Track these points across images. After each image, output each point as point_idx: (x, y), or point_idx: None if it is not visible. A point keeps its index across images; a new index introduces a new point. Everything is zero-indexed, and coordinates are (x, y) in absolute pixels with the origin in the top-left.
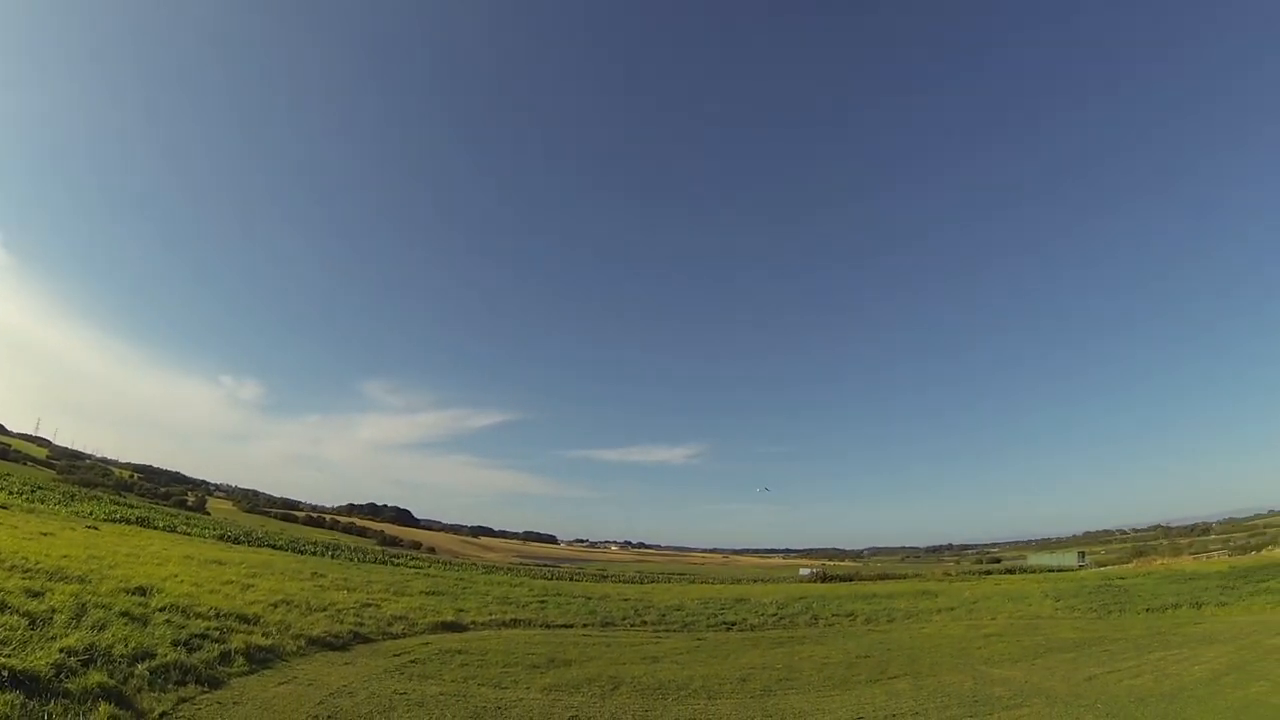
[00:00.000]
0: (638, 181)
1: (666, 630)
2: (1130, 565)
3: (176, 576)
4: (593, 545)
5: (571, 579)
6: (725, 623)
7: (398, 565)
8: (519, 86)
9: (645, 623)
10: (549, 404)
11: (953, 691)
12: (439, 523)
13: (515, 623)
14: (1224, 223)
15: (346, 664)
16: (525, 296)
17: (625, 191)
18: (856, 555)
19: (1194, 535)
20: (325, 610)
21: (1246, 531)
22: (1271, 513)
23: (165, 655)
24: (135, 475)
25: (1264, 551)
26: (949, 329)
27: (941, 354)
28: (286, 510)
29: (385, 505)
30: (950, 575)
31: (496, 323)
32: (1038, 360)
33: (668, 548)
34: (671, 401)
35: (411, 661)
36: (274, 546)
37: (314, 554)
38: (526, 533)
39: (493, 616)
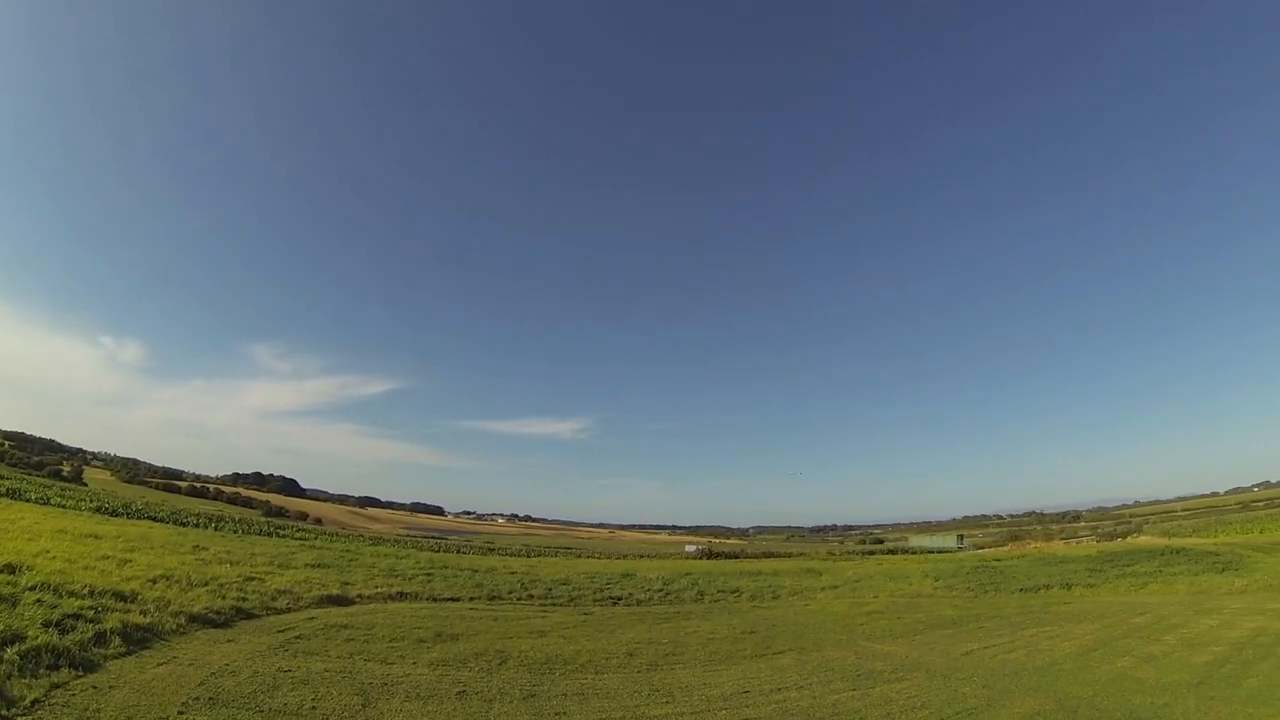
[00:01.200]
0: (539, 150)
1: (553, 604)
2: (1006, 548)
3: (48, 553)
4: (480, 517)
5: (459, 551)
6: (612, 598)
7: (283, 537)
8: (424, 58)
9: (532, 596)
10: (439, 373)
11: (836, 666)
12: (326, 493)
13: (402, 596)
14: (1099, 226)
15: (229, 641)
16: (419, 262)
17: (525, 159)
18: (742, 533)
19: (1066, 522)
20: (207, 585)
21: (1114, 519)
22: (1137, 503)
23: (36, 638)
24: (6, 443)
25: (1129, 538)
26: (833, 316)
27: (826, 340)
28: (168, 480)
29: (271, 475)
30: (834, 555)
31: (389, 289)
32: (922, 352)
33: (555, 522)
34: (562, 374)
35: (296, 638)
36: (154, 518)
37: (196, 526)
38: (414, 504)
39: (379, 590)
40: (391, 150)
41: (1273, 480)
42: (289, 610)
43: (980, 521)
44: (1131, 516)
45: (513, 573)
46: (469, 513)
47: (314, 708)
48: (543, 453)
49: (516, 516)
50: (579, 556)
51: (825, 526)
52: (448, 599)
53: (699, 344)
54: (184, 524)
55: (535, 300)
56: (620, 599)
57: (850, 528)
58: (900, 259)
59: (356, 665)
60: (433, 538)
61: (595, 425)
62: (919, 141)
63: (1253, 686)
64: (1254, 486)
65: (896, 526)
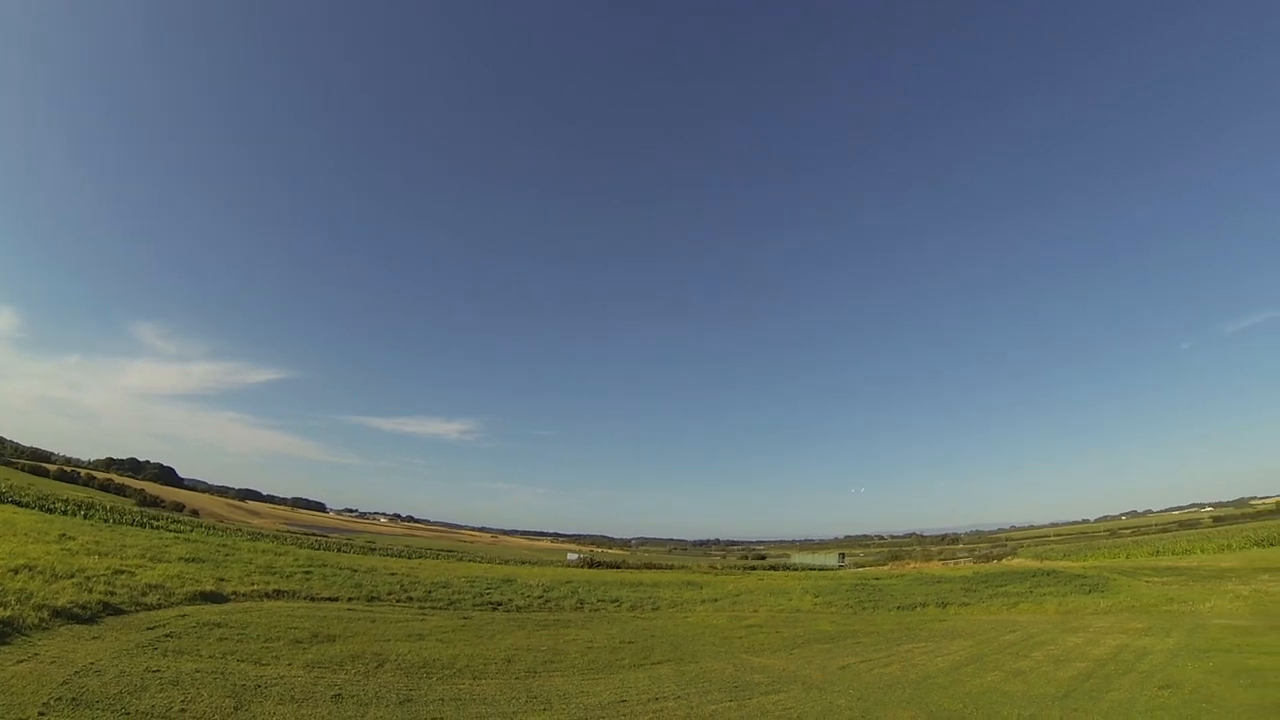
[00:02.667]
0: (439, 150)
1: (432, 607)
2: (886, 567)
3: None
4: (362, 516)
5: (339, 550)
6: (492, 603)
7: (157, 528)
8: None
9: (411, 599)
10: (329, 365)
11: (714, 677)
12: (205, 484)
13: (279, 594)
14: (994, 259)
15: (95, 638)
16: (316, 250)
17: (423, 157)
18: (625, 544)
19: (945, 544)
20: (73, 577)
21: (990, 542)
22: (1013, 528)
23: None
24: None
25: (1004, 561)
26: (719, 334)
27: (712, 359)
28: (36, 462)
29: (148, 462)
30: (716, 569)
31: (284, 275)
32: (808, 374)
33: (437, 523)
34: (452, 374)
35: (166, 635)
36: (18, 503)
37: (64, 513)
38: (296, 499)
39: (255, 587)
40: (295, 132)
41: (1139, 510)
42: (160, 606)
43: (862, 541)
44: (1007, 540)
45: (393, 574)
46: (351, 510)
47: (183, 710)
48: (429, 453)
49: (399, 516)
50: (460, 560)
51: (708, 541)
52: (326, 599)
53: (589, 354)
54: (50, 510)
55: (429, 298)
56: (500, 604)
57: (733, 543)
58: (790, 284)
59: (229, 666)
60: (313, 535)
61: (483, 428)
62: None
63: (1114, 700)
64: (1122, 515)
65: (779, 543)
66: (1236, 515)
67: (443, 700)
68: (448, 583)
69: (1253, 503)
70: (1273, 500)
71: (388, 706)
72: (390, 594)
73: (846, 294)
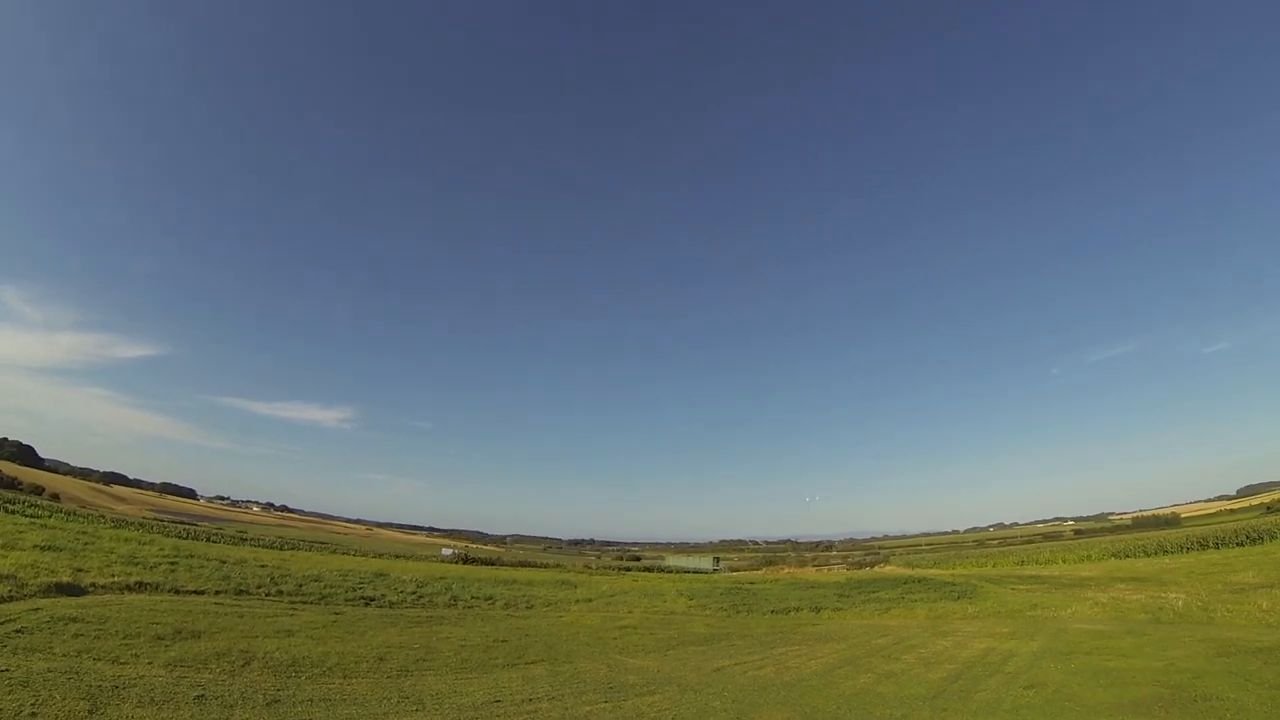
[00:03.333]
0: (330, 123)
1: (303, 602)
2: (760, 572)
3: None
4: (234, 504)
5: (208, 540)
6: (365, 598)
7: (12, 513)
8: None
9: (282, 592)
10: (204, 343)
11: (589, 678)
12: (67, 465)
13: (141, 586)
14: (878, 280)
15: None
16: (195, 223)
17: (314, 129)
18: (500, 541)
19: (819, 550)
20: None
21: (864, 550)
22: (886, 537)
23: None
24: None
25: (876, 568)
26: (604, 333)
27: (593, 358)
28: None
29: (4, 439)
30: (591, 569)
31: (160, 246)
32: (693, 377)
33: (312, 513)
34: (331, 360)
35: (17, 631)
36: None
37: None
38: (165, 484)
39: (117, 579)
40: (181, 96)
41: (1005, 523)
42: (11, 599)
43: (737, 546)
44: (880, 548)
45: (264, 566)
46: (223, 498)
47: (33, 714)
48: (306, 440)
49: (273, 505)
50: (334, 552)
51: (583, 540)
52: (192, 592)
53: (472, 346)
54: None
55: (314, 281)
56: (373, 600)
57: (609, 543)
58: (680, 287)
59: (85, 665)
60: (182, 523)
61: (361, 417)
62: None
63: (981, 699)
64: (989, 527)
65: (654, 545)
66: (1096, 529)
67: (312, 701)
68: (320, 576)
69: (1111, 517)
70: (1129, 515)
71: (254, 708)
72: (260, 587)
73: (730, 300)
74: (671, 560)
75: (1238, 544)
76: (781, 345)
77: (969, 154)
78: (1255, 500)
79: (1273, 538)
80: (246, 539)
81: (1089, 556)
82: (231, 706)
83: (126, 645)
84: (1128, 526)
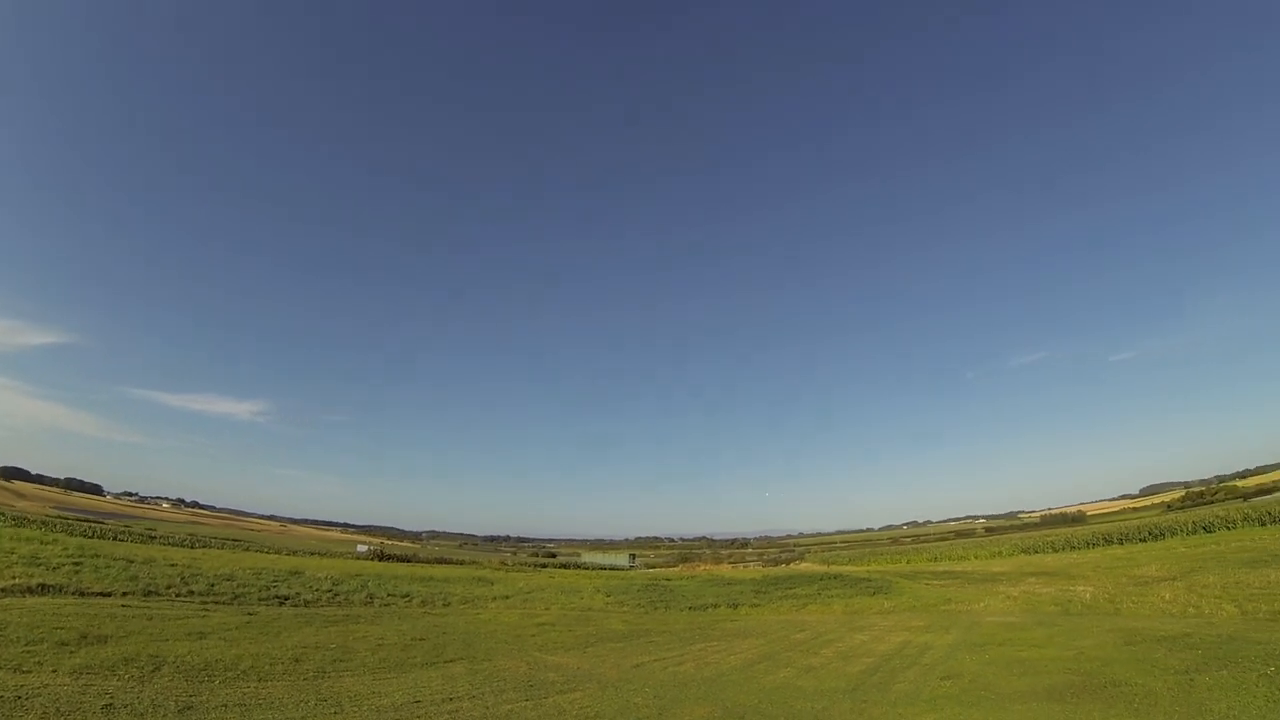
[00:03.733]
0: (248, 103)
1: (215, 602)
2: (677, 569)
3: None
4: (143, 500)
5: (115, 538)
6: (279, 597)
7: None
8: None
9: (193, 593)
10: (113, 330)
11: (508, 676)
12: None
13: (44, 589)
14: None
15: None
16: (105, 200)
17: (230, 111)
18: (415, 537)
19: (734, 547)
20: None
21: (779, 548)
22: (801, 534)
23: None
24: None
25: (792, 565)
26: (519, 333)
27: (503, 349)
28: None
29: None
30: (507, 565)
31: (70, 224)
32: (600, 378)
33: (224, 510)
34: (246, 350)
35: None
36: None
37: None
38: (69, 480)
39: (17, 581)
40: (81, 74)
41: (919, 521)
42: None
43: (653, 543)
44: (795, 546)
45: (174, 565)
46: (131, 494)
47: None
48: (218, 434)
49: (183, 502)
50: (247, 550)
51: (499, 537)
52: (98, 594)
53: (383, 340)
54: None
55: (229, 267)
56: (287, 599)
57: (524, 540)
58: (584, 283)
59: None
60: (87, 520)
61: (276, 410)
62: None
63: (899, 691)
64: (904, 525)
65: (570, 542)
66: (1006, 526)
67: (226, 706)
68: (232, 575)
69: (1020, 515)
70: (1038, 513)
71: (166, 716)
72: (170, 588)
73: (641, 296)
74: (588, 557)
75: (1140, 540)
76: (696, 345)
77: (885, 163)
78: (1156, 499)
79: (1173, 534)
80: (156, 537)
81: (1000, 553)
82: (142, 715)
83: (29, 652)
84: (1037, 524)
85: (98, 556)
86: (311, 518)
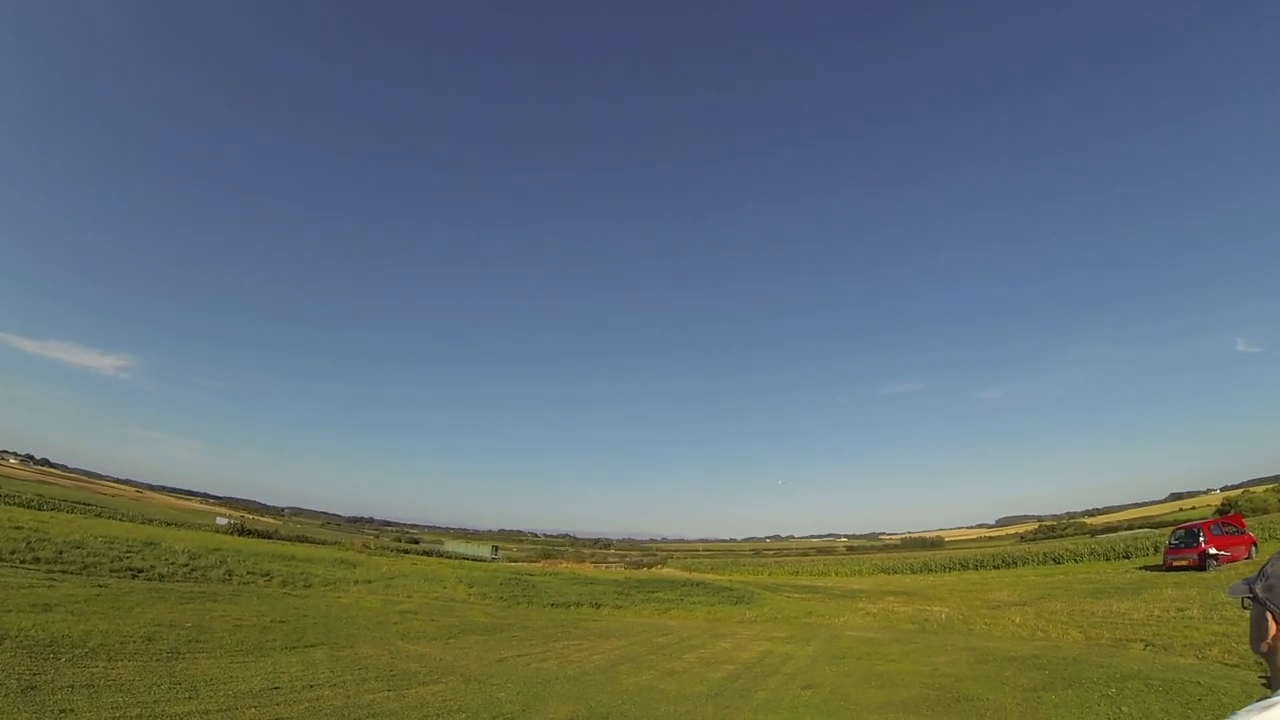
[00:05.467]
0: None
1: (63, 571)
2: (539, 564)
3: None
4: None
5: None
6: (132, 569)
7: None
8: None
9: (39, 560)
10: None
11: (370, 664)
12: None
13: None
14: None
15: None
16: None
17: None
18: (278, 513)
19: (597, 547)
20: None
21: (641, 551)
22: (664, 539)
23: None
24: None
25: (655, 569)
26: (393, 311)
27: (379, 327)
28: None
29: None
30: (369, 548)
31: None
32: (465, 366)
33: (77, 470)
34: (116, 297)
35: None
36: None
37: None
38: None
39: None
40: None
41: (782, 535)
42: None
43: (516, 536)
44: (658, 550)
45: (19, 528)
46: None
47: None
48: (76, 386)
49: (32, 458)
50: (100, 515)
51: (362, 518)
52: None
53: (269, 302)
54: None
55: (109, 209)
56: (141, 571)
57: (387, 523)
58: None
59: None
60: None
61: (142, 366)
62: None
63: (762, 698)
64: (766, 538)
65: (433, 529)
66: (868, 546)
67: (73, 687)
68: (83, 542)
69: (881, 536)
70: (899, 536)
71: (7, 695)
72: (14, 553)
73: (513, 291)
74: (450, 545)
75: (995, 567)
76: (567, 342)
77: (776, 195)
78: (1011, 530)
79: (1025, 563)
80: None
81: (860, 571)
82: None
83: None
84: (897, 546)
85: None
86: (170, 485)
